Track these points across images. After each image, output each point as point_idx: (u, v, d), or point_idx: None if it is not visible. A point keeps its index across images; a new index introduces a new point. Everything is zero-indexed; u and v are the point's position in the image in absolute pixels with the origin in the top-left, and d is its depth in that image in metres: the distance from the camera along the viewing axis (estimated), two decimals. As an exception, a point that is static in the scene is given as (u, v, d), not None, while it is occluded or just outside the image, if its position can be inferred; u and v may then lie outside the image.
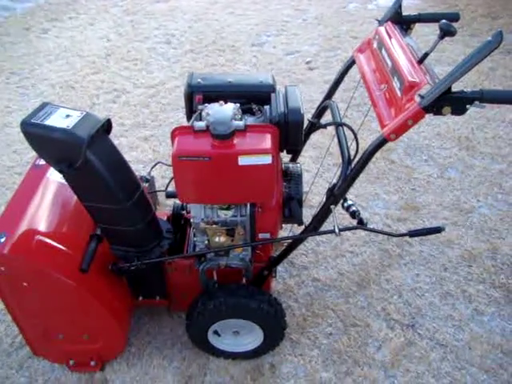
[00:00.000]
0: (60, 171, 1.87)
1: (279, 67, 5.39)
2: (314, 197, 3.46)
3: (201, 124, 1.79)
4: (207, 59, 5.64)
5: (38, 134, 1.79)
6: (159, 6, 7.20)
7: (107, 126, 1.91)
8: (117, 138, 4.01)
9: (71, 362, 2.46)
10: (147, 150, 4.08)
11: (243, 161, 1.74)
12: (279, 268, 2.91)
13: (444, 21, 1.64)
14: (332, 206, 1.92)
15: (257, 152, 1.75)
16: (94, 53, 5.86)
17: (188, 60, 5.64)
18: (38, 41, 6.22)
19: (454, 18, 1.91)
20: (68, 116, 1.82)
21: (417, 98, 1.57)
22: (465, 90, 1.52)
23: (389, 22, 2.05)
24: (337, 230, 1.88)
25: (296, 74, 5.25)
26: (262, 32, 6.28)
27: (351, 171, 1.82)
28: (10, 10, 7.11)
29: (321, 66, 5.42)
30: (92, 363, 2.46)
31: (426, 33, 5.37)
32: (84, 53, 5.87)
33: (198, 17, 6.77)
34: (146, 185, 2.68)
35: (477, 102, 1.52)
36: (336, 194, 1.89)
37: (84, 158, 1.76)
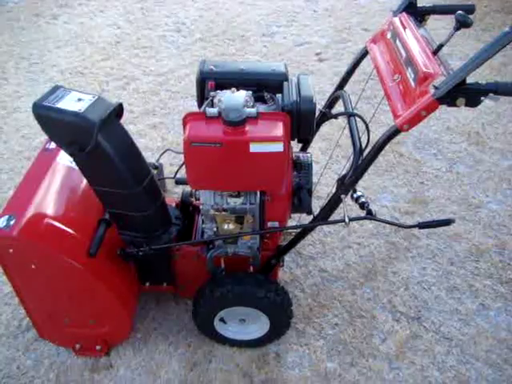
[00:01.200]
0: (71, 154, 1.88)
1: (289, 58, 5.36)
2: (322, 188, 3.45)
3: (213, 110, 1.78)
4: (217, 48, 5.62)
5: (49, 117, 1.79)
6: (170, -6, 7.17)
7: (119, 111, 1.91)
8: (126, 125, 3.94)
9: (77, 346, 2.47)
10: (156, 138, 4.09)
11: (255, 148, 1.74)
12: (286, 258, 2.91)
13: (460, 12, 1.63)
14: (342, 196, 1.91)
15: (268, 139, 1.75)
16: (103, 39, 5.85)
17: (198, 49, 5.62)
18: (47, 26, 6.21)
19: (470, 9, 1.89)
20: (80, 100, 1.82)
21: (431, 89, 1.56)
22: (479, 82, 1.51)
23: (403, 13, 2.03)
24: (347, 220, 1.88)
25: (306, 65, 5.22)
26: (272, 22, 6.25)
27: (362, 161, 1.81)
28: (20, -5, 7.10)
29: (331, 57, 5.39)
30: (97, 348, 2.47)
31: (437, 26, 5.33)
32: (94, 39, 5.86)
33: (208, 6, 6.73)
34: (155, 172, 2.68)
35: (491, 95, 1.51)
36: (346, 184, 1.88)
37: (95, 141, 1.77)
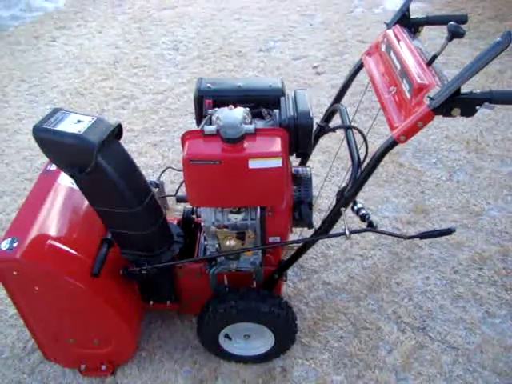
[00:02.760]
0: (71, 176, 1.89)
1: (287, 72, 5.40)
2: (323, 201, 3.46)
3: (211, 128, 1.79)
4: (215, 65, 5.66)
5: (49, 139, 1.80)
6: (166, 12, 7.22)
7: (118, 131, 1.93)
8: (126, 143, 3.98)
9: (82, 367, 2.46)
10: (156, 156, 4.11)
11: (253, 164, 1.75)
12: (289, 272, 2.90)
13: (452, 22, 1.64)
14: (342, 209, 1.92)
15: (267, 155, 1.76)
16: (102, 60, 5.90)
17: (196, 66, 5.66)
18: (47, 49, 6.27)
19: (462, 20, 1.91)
20: (79, 121, 1.83)
21: (426, 100, 1.58)
22: (474, 91, 1.52)
23: (397, 25, 2.05)
24: (347, 233, 1.88)
25: (303, 79, 5.26)
26: (268, 37, 6.29)
27: (361, 174, 1.82)
28: (19, 19, 7.17)
29: (328, 70, 5.43)
30: (103, 367, 2.47)
31: (432, 36, 5.37)
32: (92, 60, 5.91)
33: (204, 23, 6.79)
34: (156, 190, 2.69)
35: (486, 103, 1.52)
36: (346, 197, 1.89)
37: (95, 162, 1.78)
